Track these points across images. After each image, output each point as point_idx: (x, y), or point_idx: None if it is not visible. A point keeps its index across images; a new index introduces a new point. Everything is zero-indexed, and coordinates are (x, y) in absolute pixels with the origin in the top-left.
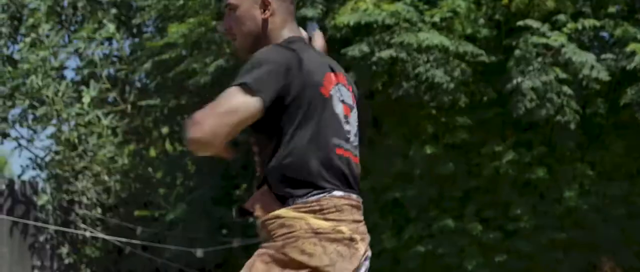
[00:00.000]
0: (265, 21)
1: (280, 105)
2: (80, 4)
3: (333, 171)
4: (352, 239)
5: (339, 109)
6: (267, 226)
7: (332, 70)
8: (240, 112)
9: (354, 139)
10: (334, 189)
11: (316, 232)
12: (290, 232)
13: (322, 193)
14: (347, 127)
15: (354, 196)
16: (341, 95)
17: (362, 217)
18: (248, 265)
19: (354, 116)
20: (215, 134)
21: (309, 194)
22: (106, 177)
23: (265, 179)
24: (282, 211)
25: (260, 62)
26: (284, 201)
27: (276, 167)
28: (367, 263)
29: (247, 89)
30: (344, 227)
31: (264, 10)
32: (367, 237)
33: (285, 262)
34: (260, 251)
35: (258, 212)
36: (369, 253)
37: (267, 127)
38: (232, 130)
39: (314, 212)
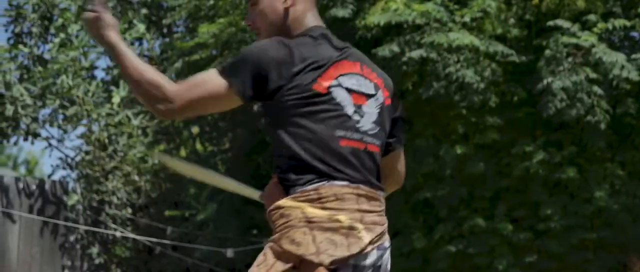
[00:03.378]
0: (286, 11)
1: (274, 99)
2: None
3: (336, 160)
4: (351, 228)
5: (344, 100)
6: (271, 217)
7: (346, 58)
8: (206, 88)
9: (369, 127)
10: (336, 178)
11: (309, 221)
12: (286, 222)
13: (321, 181)
14: (356, 117)
15: (364, 187)
16: (352, 85)
17: (374, 208)
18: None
19: (371, 105)
20: (183, 107)
21: (308, 183)
22: (136, 177)
23: (275, 169)
24: (282, 201)
25: (243, 54)
26: (287, 191)
27: (280, 158)
28: (379, 253)
29: (221, 72)
30: (342, 216)
31: (285, 0)
32: (379, 228)
33: (279, 253)
34: (267, 243)
35: (266, 203)
36: (386, 243)
37: (270, 120)
38: (196, 105)
39: (311, 201)
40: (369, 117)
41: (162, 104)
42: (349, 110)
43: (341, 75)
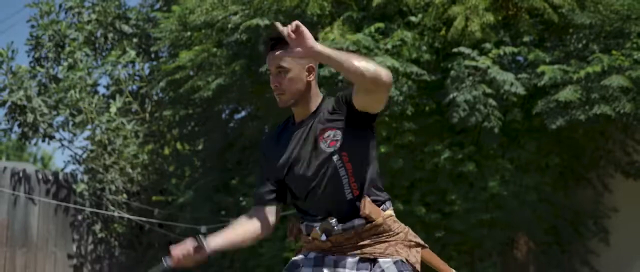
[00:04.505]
0: (309, 83)
1: (371, 137)
2: (109, 35)
3: None
4: None
5: None
6: (387, 223)
7: None
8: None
9: None
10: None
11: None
12: (400, 225)
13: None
14: None
15: None
16: None
17: None
18: (399, 256)
19: None
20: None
21: (387, 202)
22: (130, 170)
23: (367, 189)
24: (390, 212)
25: None
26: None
27: (375, 182)
28: None
29: None
30: None
31: (309, 74)
32: None
33: (412, 245)
34: (390, 246)
35: (370, 213)
36: None
37: (365, 146)
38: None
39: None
40: None
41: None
42: None
43: None
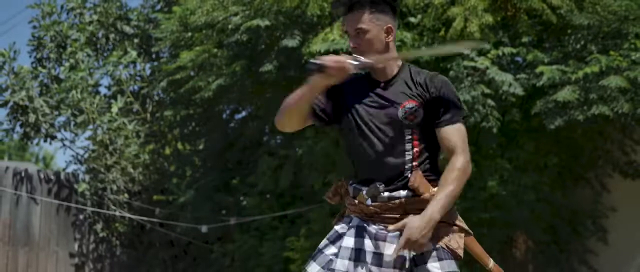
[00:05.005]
0: (387, 44)
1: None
2: (111, 36)
3: None
4: None
5: None
6: (428, 200)
7: None
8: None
9: None
10: None
11: None
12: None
13: None
14: None
15: None
16: None
17: None
18: (440, 242)
19: None
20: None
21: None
22: (131, 170)
23: (422, 167)
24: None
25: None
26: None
27: (431, 162)
28: None
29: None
30: None
31: (388, 35)
32: None
33: (456, 230)
34: (439, 224)
35: (425, 190)
36: None
37: (431, 131)
38: None
39: None
40: None
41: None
42: None
43: None
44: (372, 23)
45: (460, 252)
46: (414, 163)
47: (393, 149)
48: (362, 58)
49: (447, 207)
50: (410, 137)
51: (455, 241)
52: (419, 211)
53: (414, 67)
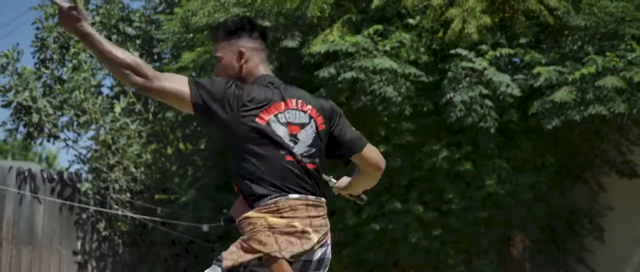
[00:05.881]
0: (241, 67)
1: (225, 130)
2: (113, 37)
3: (286, 178)
4: (304, 232)
5: (281, 130)
6: (240, 226)
7: (282, 100)
8: (176, 85)
9: (304, 150)
10: (290, 193)
11: (271, 227)
12: (253, 228)
13: (278, 196)
14: (290, 143)
15: (311, 197)
16: (286, 119)
17: (319, 213)
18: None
19: (305, 132)
20: (157, 89)
21: (268, 198)
22: (134, 169)
23: (239, 190)
24: (249, 213)
25: (212, 78)
26: (251, 206)
27: (241, 180)
28: (323, 249)
29: (190, 81)
30: (296, 223)
31: (240, 59)
32: (324, 229)
33: (248, 249)
34: (236, 242)
35: (235, 216)
36: (328, 241)
37: (231, 150)
38: (163, 93)
39: (271, 212)
40: (303, 142)
41: (142, 79)
42: (286, 137)
43: (281, 111)
44: (225, 50)
45: (227, 263)
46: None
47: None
48: (333, 181)
49: (97, 44)
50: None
51: (236, 254)
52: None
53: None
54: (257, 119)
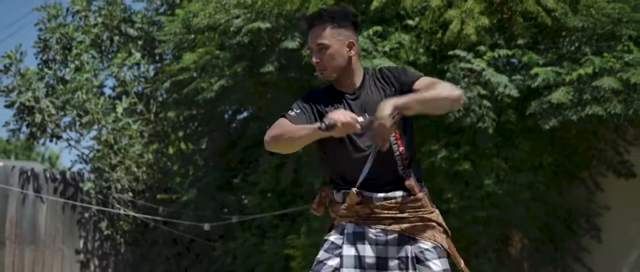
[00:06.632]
0: (350, 58)
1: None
2: (115, 38)
3: None
4: None
5: None
6: (427, 200)
7: None
8: None
9: None
10: None
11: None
12: (434, 208)
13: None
14: None
15: None
16: None
17: None
18: (437, 242)
19: None
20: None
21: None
22: (135, 169)
23: (410, 167)
24: (424, 195)
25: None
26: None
27: (413, 162)
28: None
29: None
30: None
31: (350, 49)
32: None
33: (441, 230)
34: (429, 229)
35: (417, 190)
36: None
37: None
38: None
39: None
40: None
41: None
42: None
43: None
44: (334, 38)
45: (449, 253)
46: (405, 161)
47: (386, 154)
48: (362, 119)
49: (420, 102)
50: (394, 138)
51: (447, 242)
52: (412, 209)
53: (371, 70)
54: None
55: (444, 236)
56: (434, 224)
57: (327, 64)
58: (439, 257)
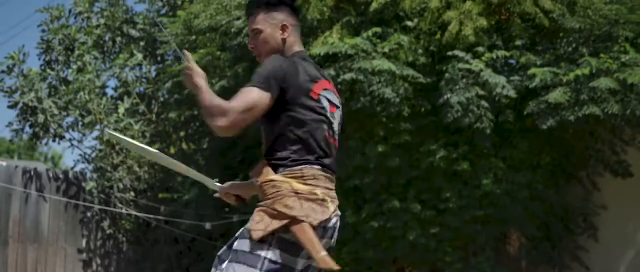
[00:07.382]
0: (283, 40)
1: (282, 101)
2: (117, 39)
3: (322, 150)
4: (323, 200)
5: (327, 106)
6: (262, 188)
7: (324, 78)
8: (258, 107)
9: (337, 129)
10: (315, 163)
11: (296, 192)
12: (277, 192)
13: (304, 164)
14: (331, 119)
15: (330, 171)
16: (327, 97)
17: (333, 187)
18: (251, 218)
19: (338, 113)
20: (236, 125)
21: (296, 165)
22: (137, 169)
23: (266, 153)
24: (274, 176)
25: (267, 68)
26: (276, 170)
27: (279, 143)
28: (336, 219)
29: (261, 87)
30: (318, 191)
31: (283, 32)
32: (337, 201)
33: (275, 214)
34: (257, 207)
35: (259, 177)
36: (339, 212)
37: (271, 116)
38: (249, 120)
39: (296, 178)
40: (336, 121)
41: (224, 117)
42: (328, 114)
43: (324, 89)
44: (267, 22)
45: (257, 234)
46: (267, 143)
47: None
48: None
49: (201, 94)
50: (262, 126)
51: (264, 223)
52: (263, 195)
53: (305, 54)
54: (310, 93)
55: (272, 219)
56: (261, 209)
57: (261, 48)
58: (238, 238)
